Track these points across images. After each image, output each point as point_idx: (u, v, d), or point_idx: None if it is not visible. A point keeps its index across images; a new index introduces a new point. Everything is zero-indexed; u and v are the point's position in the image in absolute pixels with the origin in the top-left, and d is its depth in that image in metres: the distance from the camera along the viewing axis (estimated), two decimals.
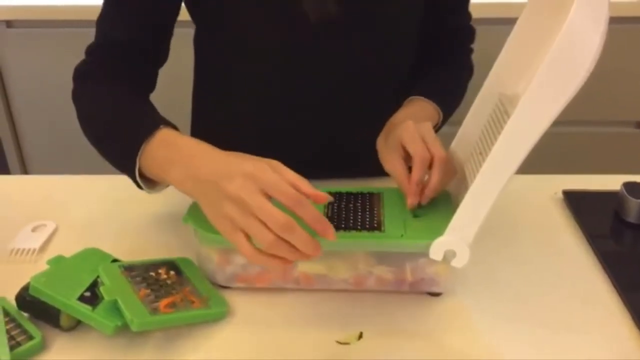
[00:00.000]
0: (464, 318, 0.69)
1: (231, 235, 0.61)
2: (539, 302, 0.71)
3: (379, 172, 0.80)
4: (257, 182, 0.59)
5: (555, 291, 0.73)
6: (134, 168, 0.71)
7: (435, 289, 0.71)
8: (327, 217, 0.71)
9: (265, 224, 0.58)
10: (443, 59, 0.96)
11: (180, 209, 0.74)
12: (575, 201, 0.88)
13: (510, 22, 0.73)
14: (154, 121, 0.71)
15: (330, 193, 0.75)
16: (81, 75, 0.84)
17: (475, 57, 0.98)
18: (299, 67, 0.87)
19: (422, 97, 0.88)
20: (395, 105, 0.89)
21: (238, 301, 0.71)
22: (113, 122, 0.76)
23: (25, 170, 1.99)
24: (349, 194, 0.76)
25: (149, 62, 0.86)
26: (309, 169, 0.69)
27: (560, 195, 0.90)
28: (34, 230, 0.83)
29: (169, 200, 0.90)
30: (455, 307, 0.70)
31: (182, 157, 0.66)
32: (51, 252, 0.79)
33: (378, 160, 0.79)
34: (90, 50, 0.85)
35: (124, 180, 0.97)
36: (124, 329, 0.63)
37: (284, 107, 0.90)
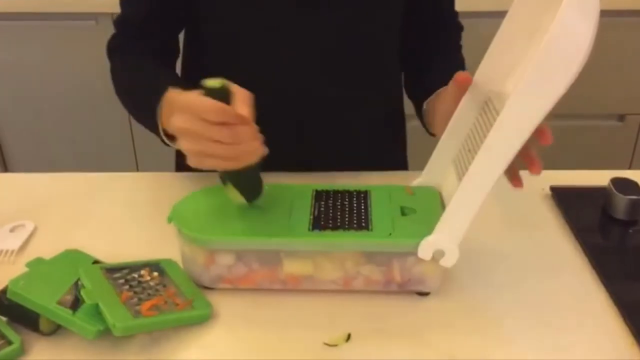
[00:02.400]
0: (453, 317, 0.68)
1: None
2: (528, 300, 0.71)
3: (365, 160, 0.82)
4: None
5: (544, 289, 0.72)
6: (158, 129, 0.79)
7: (423, 289, 0.70)
8: (314, 216, 0.69)
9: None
10: (437, 52, 0.96)
11: (165, 208, 0.72)
12: (563, 197, 0.87)
13: (499, 15, 0.71)
14: (164, 85, 0.76)
15: (316, 191, 0.74)
16: (111, 50, 0.94)
17: (463, 52, 0.97)
18: (281, 47, 0.88)
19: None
20: (381, 90, 0.90)
21: (223, 303, 0.69)
22: (137, 92, 0.87)
23: (5, 168, 1.95)
24: (335, 192, 0.74)
25: (168, 30, 0.94)
26: (298, 155, 0.80)
27: (548, 191, 0.90)
28: (12, 230, 0.81)
29: (152, 199, 0.89)
30: (444, 307, 0.69)
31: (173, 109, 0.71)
32: (30, 253, 0.77)
33: (365, 146, 0.82)
34: (116, 24, 0.93)
35: (105, 178, 0.95)
36: (106, 332, 0.61)
37: (266, 89, 0.84)
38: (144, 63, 0.90)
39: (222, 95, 0.63)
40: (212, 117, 0.62)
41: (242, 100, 0.63)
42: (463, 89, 0.72)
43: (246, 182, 0.71)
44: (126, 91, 0.90)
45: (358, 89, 0.92)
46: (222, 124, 0.62)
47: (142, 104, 0.83)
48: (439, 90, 0.86)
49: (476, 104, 0.72)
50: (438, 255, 0.65)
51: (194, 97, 0.64)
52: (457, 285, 0.72)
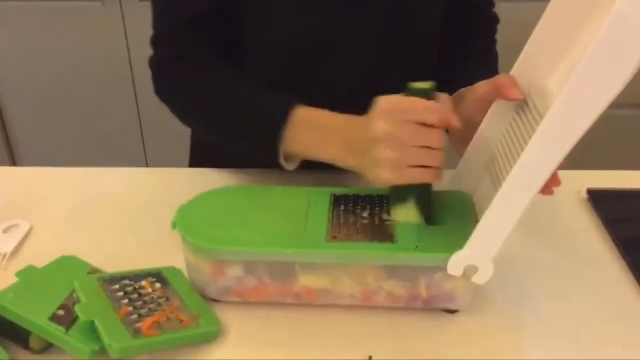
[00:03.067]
0: (484, 338, 0.62)
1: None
2: (567, 318, 0.64)
3: None
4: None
5: (583, 306, 0.66)
6: (276, 155, 0.71)
7: (452, 306, 0.63)
8: (331, 224, 0.63)
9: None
10: (466, 45, 0.88)
11: (174, 207, 0.66)
12: (602, 201, 0.80)
13: (542, 0, 0.64)
14: (283, 102, 0.70)
15: (335, 196, 0.68)
16: (166, 66, 0.80)
17: (500, 42, 0.89)
18: (329, 44, 0.80)
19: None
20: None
21: (232, 318, 0.63)
22: (236, 111, 0.75)
23: (13, 162, 1.90)
24: (356, 196, 0.68)
25: (233, 27, 0.80)
26: None
27: (585, 194, 0.82)
28: (5, 231, 0.76)
29: (158, 199, 0.82)
30: (475, 326, 0.63)
31: (332, 136, 0.67)
32: (24, 257, 0.72)
33: None
34: (166, 35, 0.80)
35: (109, 173, 0.89)
36: (102, 352, 0.55)
37: (308, 88, 0.81)
38: (229, 73, 0.79)
39: (430, 98, 0.59)
40: (429, 117, 0.58)
41: (448, 104, 0.59)
42: (499, 96, 0.65)
43: (430, 197, 0.64)
44: (217, 109, 0.77)
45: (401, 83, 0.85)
46: (429, 127, 0.58)
47: (252, 123, 0.73)
48: (460, 91, 0.78)
49: (513, 102, 0.65)
50: (470, 271, 0.59)
51: (402, 99, 0.60)
52: (487, 301, 0.66)
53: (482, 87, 0.67)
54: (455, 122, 0.59)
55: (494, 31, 0.90)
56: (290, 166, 0.74)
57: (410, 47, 0.83)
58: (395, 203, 0.64)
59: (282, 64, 0.82)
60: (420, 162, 0.59)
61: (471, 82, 0.73)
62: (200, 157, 0.97)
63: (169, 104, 0.81)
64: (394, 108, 0.60)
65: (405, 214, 0.63)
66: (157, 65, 0.81)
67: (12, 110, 1.83)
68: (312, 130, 0.69)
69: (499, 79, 0.65)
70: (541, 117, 0.58)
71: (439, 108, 0.59)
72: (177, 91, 0.80)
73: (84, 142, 1.86)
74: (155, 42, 0.81)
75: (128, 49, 1.69)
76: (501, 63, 0.86)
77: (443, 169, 0.61)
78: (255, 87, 0.76)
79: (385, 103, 0.60)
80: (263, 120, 0.72)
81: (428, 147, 0.59)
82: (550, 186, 0.62)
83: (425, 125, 0.59)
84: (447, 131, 0.82)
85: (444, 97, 0.60)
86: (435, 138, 0.59)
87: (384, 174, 0.60)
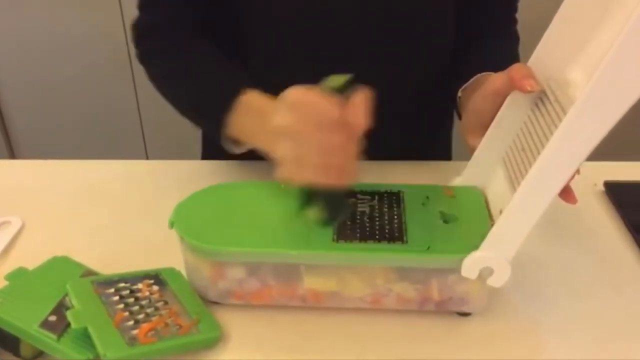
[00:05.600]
0: (499, 341, 0.59)
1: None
2: (587, 318, 0.61)
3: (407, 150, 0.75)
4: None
5: (605, 304, 0.63)
6: (222, 138, 0.70)
7: (465, 309, 0.60)
8: (339, 223, 0.60)
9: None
10: (490, 29, 0.84)
11: (172, 205, 0.62)
12: (620, 195, 0.77)
13: None
14: (234, 85, 0.68)
15: None
16: (146, 32, 0.80)
17: (519, 27, 0.86)
18: (329, 32, 0.77)
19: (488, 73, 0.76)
20: (429, 74, 0.81)
21: (233, 321, 0.60)
22: (192, 88, 0.75)
23: (12, 154, 1.86)
24: (362, 192, 0.64)
25: (210, 5, 0.80)
26: None
27: (601, 187, 0.79)
28: None
29: (158, 193, 0.79)
30: (489, 329, 0.60)
31: (264, 124, 0.60)
32: (15, 257, 0.68)
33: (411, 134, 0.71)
34: (152, 1, 0.80)
35: (106, 166, 0.85)
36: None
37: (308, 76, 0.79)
38: (200, 48, 0.77)
39: (342, 93, 0.52)
40: (327, 116, 0.52)
41: (359, 103, 0.52)
42: (514, 88, 0.61)
43: (336, 202, 0.58)
44: (178, 83, 0.77)
45: (403, 73, 0.81)
46: (334, 128, 0.52)
47: (203, 103, 0.73)
48: (476, 77, 0.74)
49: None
50: (485, 273, 0.55)
51: (307, 93, 0.54)
52: (501, 302, 0.63)
53: (496, 80, 0.63)
54: (359, 125, 0.52)
55: (512, 10, 0.86)
56: (238, 150, 0.71)
57: (419, 24, 0.79)
58: (302, 201, 0.58)
59: (281, 38, 0.79)
60: (321, 162, 0.53)
61: (487, 66, 0.69)
62: (212, 149, 0.94)
63: (146, 72, 0.80)
64: (297, 101, 0.54)
65: (310, 214, 0.58)
66: (138, 31, 0.80)
67: (10, 102, 1.79)
68: (249, 116, 0.66)
69: (513, 70, 0.61)
70: (562, 109, 0.54)
71: (340, 106, 0.52)
72: (151, 60, 0.80)
73: (82, 134, 1.83)
74: (142, 5, 0.80)
75: (125, 32, 1.66)
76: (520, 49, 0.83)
77: (352, 173, 0.54)
78: (220, 66, 0.75)
79: (291, 95, 0.55)
80: (212, 101, 0.70)
81: (336, 147, 0.53)
82: (570, 196, 0.59)
83: (333, 123, 0.52)
84: (460, 118, 0.79)
85: (360, 94, 0.53)
86: (337, 138, 0.52)
87: (283, 170, 0.55)
